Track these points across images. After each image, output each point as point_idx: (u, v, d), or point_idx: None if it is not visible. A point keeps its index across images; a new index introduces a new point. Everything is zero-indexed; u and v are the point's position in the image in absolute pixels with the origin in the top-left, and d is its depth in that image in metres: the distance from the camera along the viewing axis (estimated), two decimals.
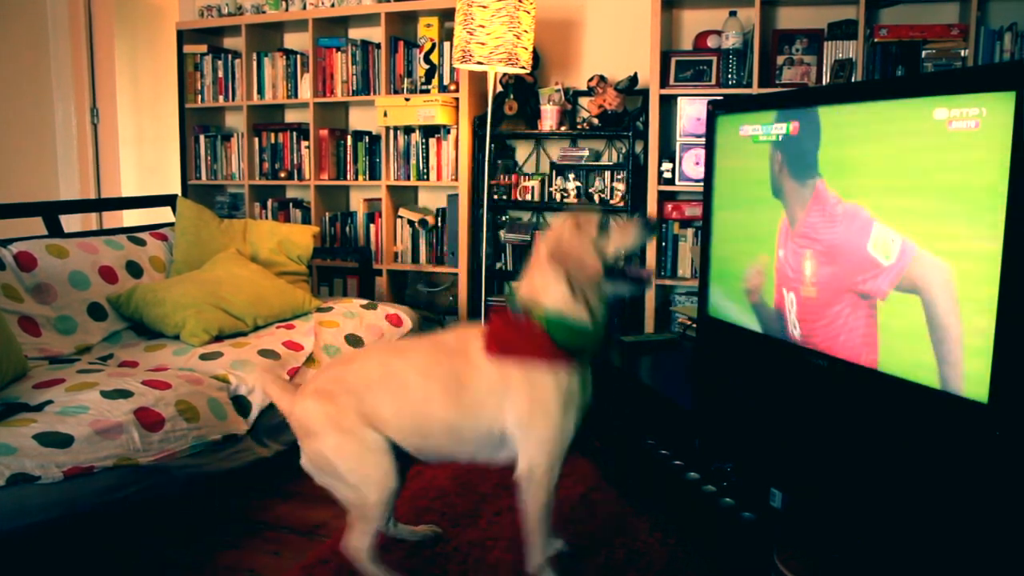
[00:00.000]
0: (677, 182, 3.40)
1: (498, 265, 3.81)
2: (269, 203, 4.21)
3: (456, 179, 3.75)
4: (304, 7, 4.08)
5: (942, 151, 1.61)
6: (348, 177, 4.04)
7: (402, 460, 1.69)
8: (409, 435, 1.65)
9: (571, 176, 3.62)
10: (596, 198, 3.59)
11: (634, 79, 3.40)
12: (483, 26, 3.05)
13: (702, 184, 2.49)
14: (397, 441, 1.65)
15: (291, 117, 4.33)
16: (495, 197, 3.70)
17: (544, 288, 1.62)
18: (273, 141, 4.17)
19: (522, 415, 1.60)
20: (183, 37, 4.26)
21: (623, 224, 1.66)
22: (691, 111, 3.33)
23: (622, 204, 3.51)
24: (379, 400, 1.64)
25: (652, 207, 3.43)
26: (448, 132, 3.77)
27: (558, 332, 1.59)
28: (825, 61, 3.19)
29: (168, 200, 3.39)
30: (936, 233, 1.63)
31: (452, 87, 3.73)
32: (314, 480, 1.70)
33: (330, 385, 1.67)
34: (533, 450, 1.60)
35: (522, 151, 3.89)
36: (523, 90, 3.63)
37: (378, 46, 3.87)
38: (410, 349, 1.74)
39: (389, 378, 1.65)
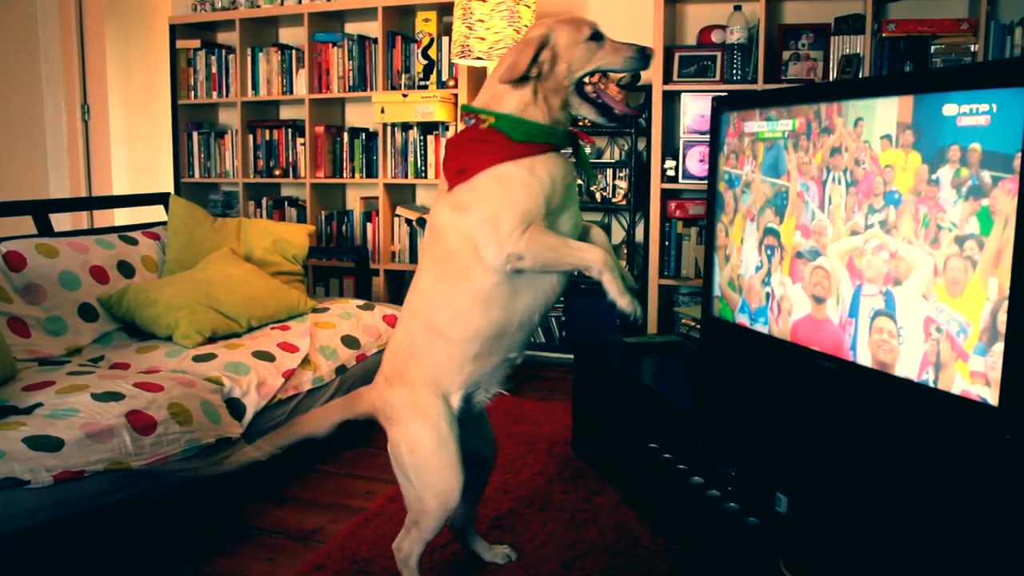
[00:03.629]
0: (681, 180, 3.40)
1: None
2: (264, 201, 4.21)
3: None
4: (299, 1, 4.08)
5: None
6: (344, 175, 4.05)
7: (473, 477, 1.67)
8: (469, 347, 1.54)
9: None
10: (598, 196, 3.59)
11: (637, 75, 3.40)
12: (482, 21, 3.05)
13: (706, 182, 2.49)
14: (469, 376, 1.57)
15: (286, 114, 4.34)
16: None
17: (502, 92, 1.52)
18: (268, 138, 4.18)
19: (481, 211, 1.47)
20: (176, 32, 4.26)
21: (618, 44, 1.55)
22: (695, 107, 3.33)
23: (624, 203, 3.51)
24: (429, 344, 1.55)
25: (655, 205, 3.43)
26: (447, 129, 3.78)
27: (513, 130, 1.49)
28: (832, 56, 3.20)
29: (160, 198, 3.39)
30: (945, 231, 1.63)
31: (451, 83, 3.74)
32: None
33: (391, 366, 1.63)
34: (496, 230, 1.45)
35: None
36: None
37: (375, 41, 3.88)
38: (416, 275, 1.62)
39: (419, 316, 1.57)
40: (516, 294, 1.52)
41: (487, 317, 1.52)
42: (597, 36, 1.53)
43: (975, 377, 1.57)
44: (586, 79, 1.55)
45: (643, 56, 1.56)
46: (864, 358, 1.84)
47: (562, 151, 1.57)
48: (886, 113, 1.78)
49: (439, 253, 1.53)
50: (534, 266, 1.47)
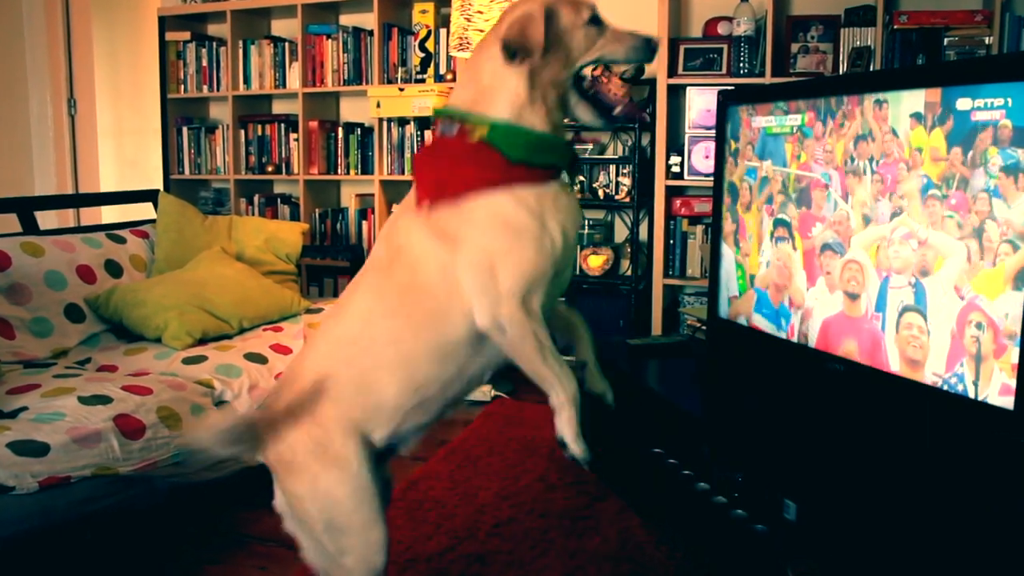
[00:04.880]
0: (686, 176, 3.40)
1: None
2: (256, 199, 4.21)
3: None
4: None
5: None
6: (339, 171, 4.05)
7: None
8: (408, 398, 1.32)
9: None
10: (601, 193, 3.59)
11: (640, 68, 3.39)
12: (481, 12, 3.05)
13: (712, 179, 2.49)
14: (399, 424, 1.34)
15: (279, 108, 4.34)
16: None
17: (492, 88, 1.29)
18: (260, 133, 4.18)
19: (477, 257, 1.24)
20: (165, 24, 4.26)
21: (620, 31, 1.38)
22: (700, 102, 3.33)
23: (628, 200, 3.51)
24: (356, 383, 1.32)
25: (659, 202, 3.43)
26: None
27: (510, 145, 1.26)
28: (842, 49, 3.20)
29: (149, 196, 3.39)
30: (959, 229, 1.63)
31: (449, 76, 3.73)
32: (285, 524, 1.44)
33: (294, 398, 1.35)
34: (491, 283, 1.23)
35: None
36: None
37: (371, 33, 3.88)
38: (351, 296, 1.37)
39: (349, 347, 1.33)
40: (477, 353, 1.32)
41: (441, 368, 1.32)
42: (597, 20, 1.35)
43: (991, 380, 1.57)
44: (585, 71, 1.37)
45: (648, 47, 1.41)
46: (878, 361, 1.84)
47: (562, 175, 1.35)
48: (911, 103, 1.78)
49: (403, 282, 1.30)
50: (507, 348, 1.26)
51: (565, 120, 1.39)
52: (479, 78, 1.32)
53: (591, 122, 1.39)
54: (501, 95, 1.29)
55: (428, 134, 3.82)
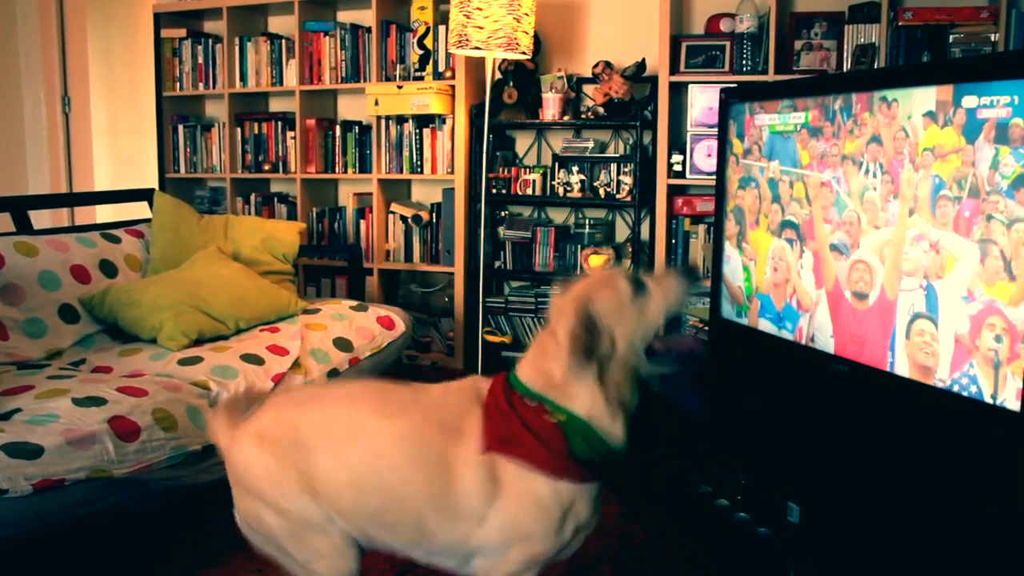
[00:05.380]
0: (688, 175, 3.40)
1: (497, 264, 3.81)
2: (252, 198, 4.21)
3: (452, 172, 3.75)
4: None
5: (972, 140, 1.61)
6: (337, 170, 4.05)
7: None
8: (364, 520, 1.40)
9: (575, 169, 3.62)
10: (602, 192, 3.59)
11: (642, 65, 3.40)
12: (481, 9, 3.05)
13: (714, 177, 2.49)
14: (341, 521, 1.41)
15: (276, 106, 4.34)
16: (494, 191, 3.70)
17: (567, 384, 1.33)
18: (256, 131, 4.18)
19: (504, 529, 1.34)
20: (160, 20, 4.26)
21: (657, 276, 1.39)
22: (703, 100, 3.33)
23: (629, 199, 3.51)
24: (335, 468, 1.38)
25: (661, 202, 3.43)
26: (443, 122, 3.78)
27: (580, 443, 1.33)
28: (846, 46, 3.20)
29: (144, 194, 3.39)
30: (971, 231, 1.63)
31: (448, 74, 3.74)
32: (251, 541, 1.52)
33: (276, 429, 1.42)
34: (500, 564, 1.36)
35: (522, 142, 3.89)
36: (523, 77, 3.64)
37: (369, 30, 3.88)
38: (395, 408, 1.41)
39: (357, 441, 1.38)
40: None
41: (404, 535, 1.41)
42: (639, 286, 1.36)
43: (998, 382, 1.57)
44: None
45: (691, 273, 1.43)
46: (883, 362, 1.84)
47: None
48: (922, 101, 1.78)
49: (451, 470, 1.34)
50: None
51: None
52: (557, 368, 1.34)
53: (671, 372, 1.44)
54: (583, 392, 1.33)
55: (427, 132, 3.80)
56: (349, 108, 4.22)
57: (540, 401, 1.34)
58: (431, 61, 3.79)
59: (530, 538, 1.34)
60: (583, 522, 1.38)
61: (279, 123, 4.13)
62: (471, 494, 1.33)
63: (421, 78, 3.79)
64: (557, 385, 1.34)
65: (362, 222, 4.01)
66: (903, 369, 1.77)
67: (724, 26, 3.41)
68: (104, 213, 4.35)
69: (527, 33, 3.16)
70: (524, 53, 3.19)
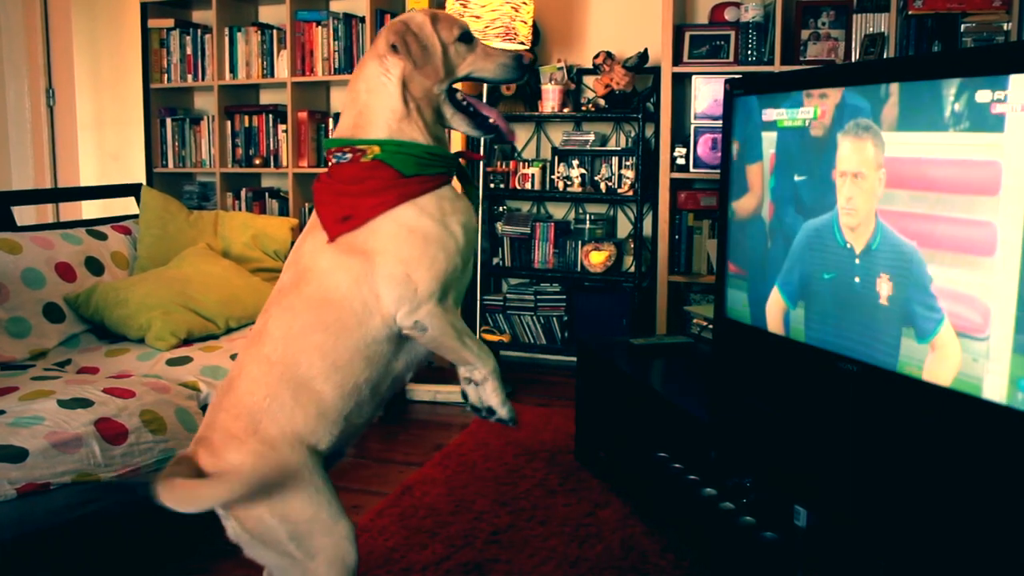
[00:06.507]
0: (691, 169, 3.40)
1: (495, 260, 3.81)
2: (243, 193, 4.20)
3: None
4: None
5: (983, 134, 1.61)
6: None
7: None
8: (346, 401, 1.45)
9: (575, 162, 3.62)
10: (603, 187, 3.59)
11: (644, 56, 3.40)
12: None
13: (719, 171, 2.49)
14: (343, 430, 1.46)
15: (267, 98, 4.33)
16: (491, 185, 3.70)
17: (370, 106, 1.45)
18: (247, 125, 4.17)
19: (400, 271, 1.40)
20: (147, 10, 4.25)
21: (489, 49, 1.51)
22: (707, 91, 3.33)
23: (631, 193, 3.51)
24: (294, 396, 1.43)
25: (664, 196, 3.43)
26: None
27: (401, 161, 1.43)
28: (854, 36, 3.20)
29: (132, 190, 3.39)
30: (972, 228, 1.63)
31: None
32: (244, 552, 1.50)
33: (238, 422, 1.43)
34: (409, 290, 1.40)
35: (521, 135, 3.89)
36: None
37: (362, 20, 3.87)
38: (265, 321, 1.49)
39: (279, 365, 1.43)
40: (397, 354, 1.49)
41: (367, 372, 1.46)
42: (467, 38, 1.50)
43: (1009, 383, 1.57)
44: (457, 86, 1.51)
45: (518, 65, 1.50)
46: (892, 361, 1.84)
47: (452, 180, 1.53)
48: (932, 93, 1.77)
49: (316, 298, 1.44)
50: (428, 343, 1.45)
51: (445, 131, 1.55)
52: (357, 98, 1.47)
53: (469, 132, 1.55)
54: (379, 115, 1.45)
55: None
56: (342, 100, 4.21)
57: (350, 145, 1.46)
58: None
59: (421, 257, 1.41)
60: (463, 215, 1.47)
61: (270, 116, 4.12)
62: (350, 290, 1.41)
63: None
64: (363, 112, 1.46)
65: None
66: (912, 369, 1.77)
67: (729, 15, 3.41)
68: (90, 209, 4.34)
69: (526, 23, 3.15)
70: (523, 43, 3.18)
